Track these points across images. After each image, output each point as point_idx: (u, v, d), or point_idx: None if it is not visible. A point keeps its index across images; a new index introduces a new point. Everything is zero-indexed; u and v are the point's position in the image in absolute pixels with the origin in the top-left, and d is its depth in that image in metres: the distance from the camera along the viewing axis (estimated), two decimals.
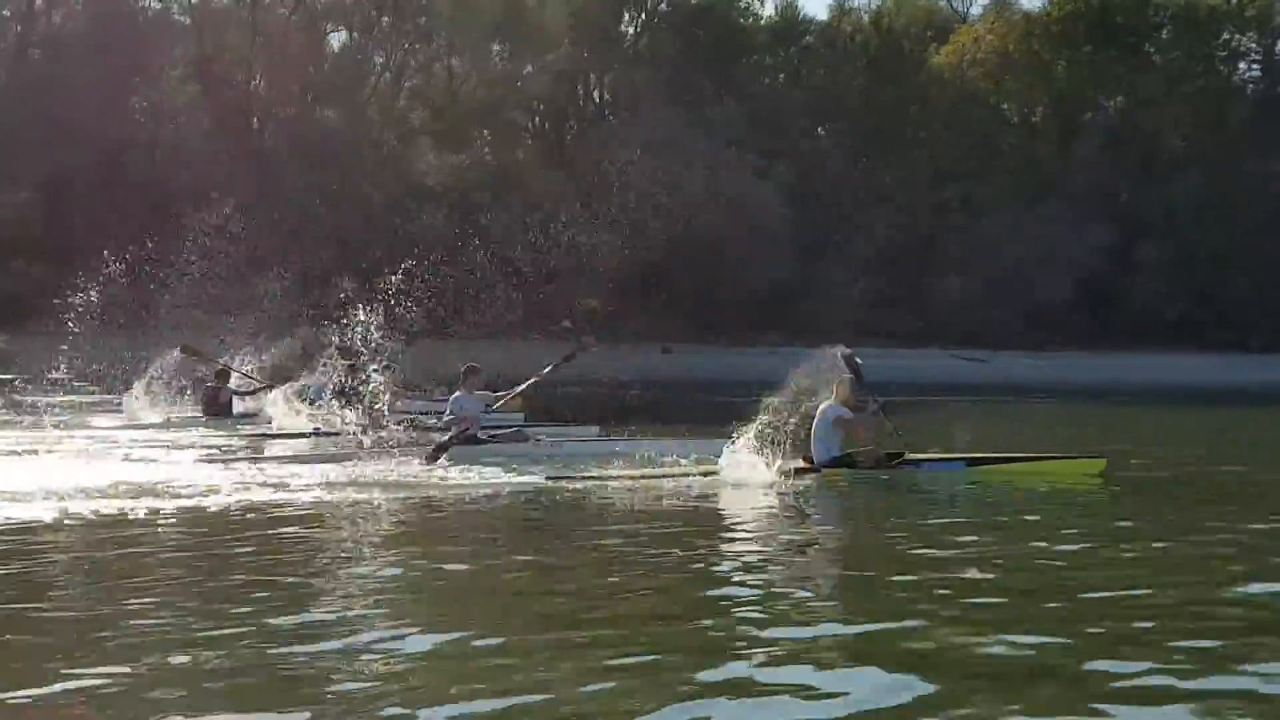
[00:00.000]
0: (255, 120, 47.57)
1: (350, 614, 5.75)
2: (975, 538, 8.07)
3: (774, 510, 9.90)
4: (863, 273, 49.63)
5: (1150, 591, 6.43)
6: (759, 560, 7.45)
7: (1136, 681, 4.69)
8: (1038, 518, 9.11)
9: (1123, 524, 8.89)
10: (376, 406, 15.99)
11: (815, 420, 11.43)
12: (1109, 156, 55.22)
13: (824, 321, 45.75)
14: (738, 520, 9.39)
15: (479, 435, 13.22)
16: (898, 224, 52.13)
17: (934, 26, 63.43)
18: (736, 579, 6.71)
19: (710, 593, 6.38)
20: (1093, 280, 49.76)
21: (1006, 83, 58.86)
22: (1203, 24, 61.21)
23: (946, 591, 6.31)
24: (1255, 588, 6.51)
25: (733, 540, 8.33)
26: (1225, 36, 62.06)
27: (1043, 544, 7.77)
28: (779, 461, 11.06)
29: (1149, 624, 5.65)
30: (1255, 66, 62.63)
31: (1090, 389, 36.58)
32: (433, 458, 12.16)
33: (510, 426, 14.63)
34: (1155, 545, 7.90)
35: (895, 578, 6.67)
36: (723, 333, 47.50)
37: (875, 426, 11.81)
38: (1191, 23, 61.05)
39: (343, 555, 7.57)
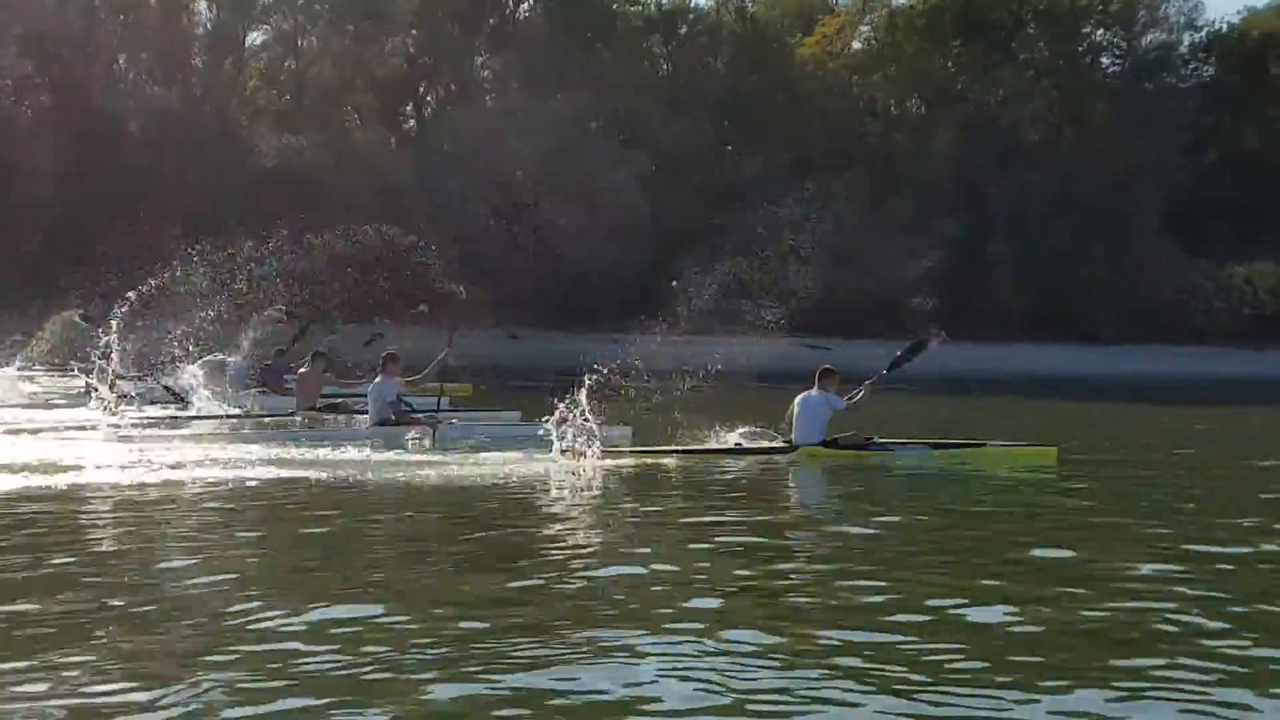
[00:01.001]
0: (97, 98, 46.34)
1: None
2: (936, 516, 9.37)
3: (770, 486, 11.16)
4: (719, 262, 50.18)
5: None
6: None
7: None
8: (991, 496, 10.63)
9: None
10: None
11: (800, 405, 12.67)
12: (968, 150, 56.71)
13: (680, 310, 46.52)
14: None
15: (392, 418, 14.16)
16: (756, 214, 52.76)
17: (803, 17, 64.66)
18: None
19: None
20: (947, 272, 51.17)
21: (868, 74, 60.14)
22: (1065, 19, 63.47)
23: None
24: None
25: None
26: (1087, 30, 64.47)
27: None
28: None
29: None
30: (1116, 63, 65.13)
31: (938, 378, 37.72)
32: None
33: (424, 410, 15.19)
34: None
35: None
36: (578, 320, 47.77)
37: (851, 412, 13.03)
38: (1054, 18, 63.21)
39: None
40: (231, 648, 5.16)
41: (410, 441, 13.57)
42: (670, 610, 5.97)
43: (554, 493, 10.39)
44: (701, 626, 5.62)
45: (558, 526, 8.67)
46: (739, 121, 58.29)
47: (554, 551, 7.61)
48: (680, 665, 5.05)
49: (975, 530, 8.89)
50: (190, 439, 14.00)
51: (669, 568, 7.01)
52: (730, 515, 9.15)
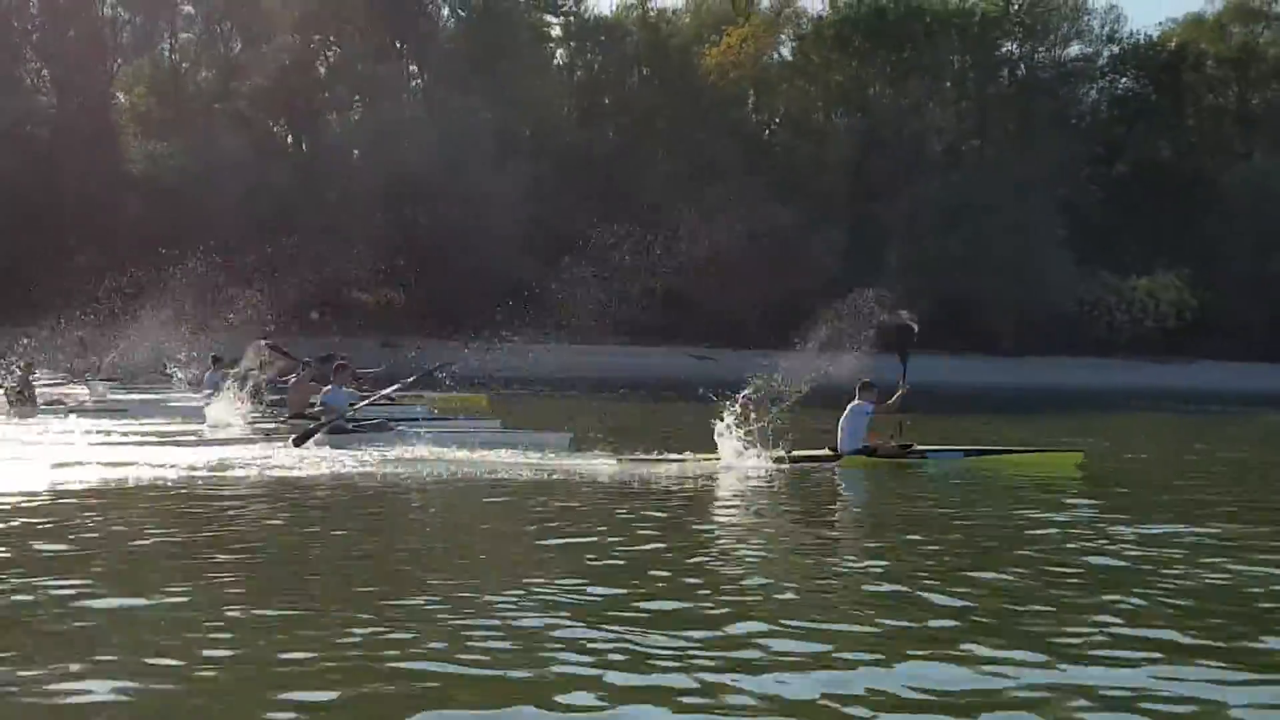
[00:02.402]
0: None
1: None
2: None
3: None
4: (611, 270, 50.79)
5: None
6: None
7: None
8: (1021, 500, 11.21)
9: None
10: None
11: (845, 416, 13.67)
12: (867, 159, 57.70)
13: (568, 318, 47.10)
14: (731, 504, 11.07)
15: (345, 425, 14.88)
16: (650, 222, 53.45)
17: (713, 27, 65.45)
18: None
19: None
20: (838, 281, 51.75)
21: (774, 84, 61.08)
22: (974, 31, 64.81)
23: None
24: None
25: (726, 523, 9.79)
26: (999, 39, 65.82)
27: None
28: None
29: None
30: (1028, 74, 66.50)
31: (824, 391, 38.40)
32: (299, 441, 13.88)
33: (376, 418, 15.96)
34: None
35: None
36: (462, 327, 48.02)
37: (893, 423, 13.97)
38: (963, 30, 64.54)
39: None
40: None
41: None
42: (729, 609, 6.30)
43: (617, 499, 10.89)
44: (776, 627, 5.87)
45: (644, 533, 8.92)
46: (641, 130, 59.10)
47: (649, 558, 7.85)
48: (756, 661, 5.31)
49: (1006, 529, 9.48)
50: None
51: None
52: (792, 519, 10.17)
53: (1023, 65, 66.55)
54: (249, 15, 52.90)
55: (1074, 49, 67.38)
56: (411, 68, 60.76)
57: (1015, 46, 66.74)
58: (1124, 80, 68.59)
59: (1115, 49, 67.55)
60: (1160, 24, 71.02)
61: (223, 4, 52.30)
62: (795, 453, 13.62)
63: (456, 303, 47.77)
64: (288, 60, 51.59)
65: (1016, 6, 65.77)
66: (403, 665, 5.12)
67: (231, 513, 9.34)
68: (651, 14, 63.81)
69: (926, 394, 37.66)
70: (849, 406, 13.72)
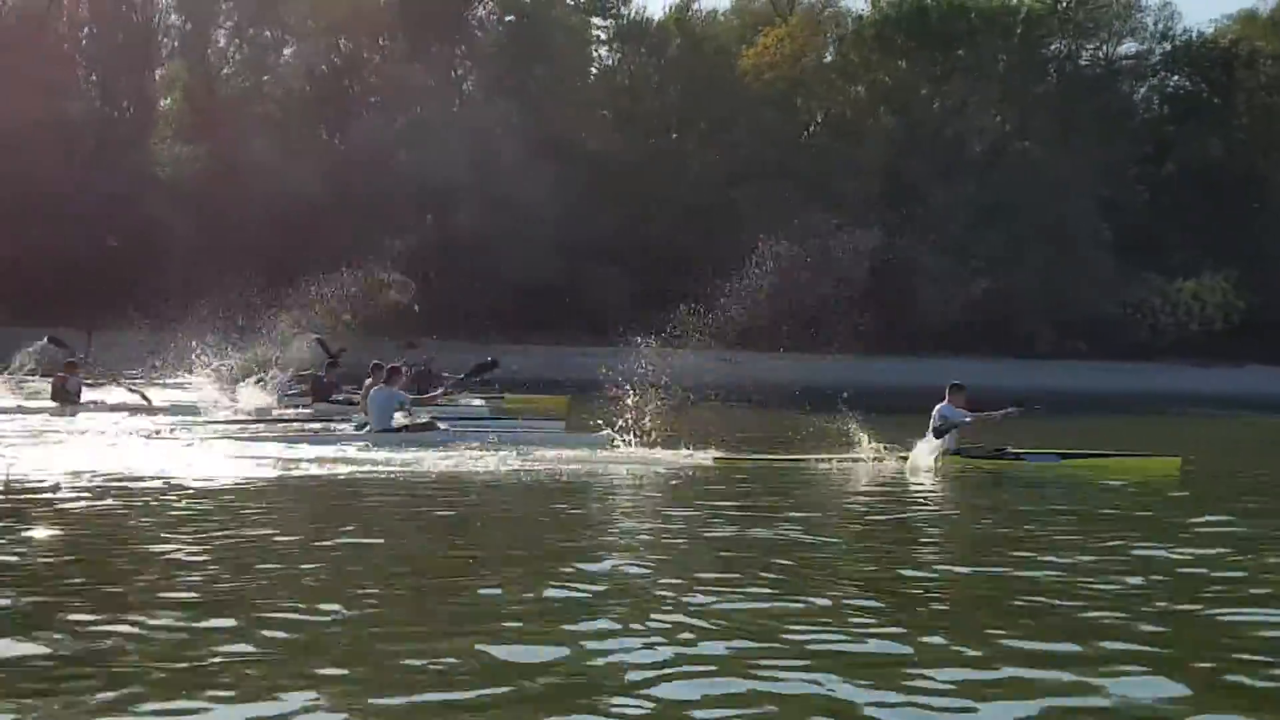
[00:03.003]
0: None
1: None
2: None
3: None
4: (637, 273, 51.26)
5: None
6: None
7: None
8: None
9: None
10: None
11: (935, 418, 14.14)
12: (905, 161, 57.52)
13: (595, 321, 47.71)
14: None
15: (393, 425, 15.68)
16: (681, 225, 53.81)
17: (752, 28, 65.50)
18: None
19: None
20: (876, 283, 51.66)
21: (807, 85, 61.00)
22: (1019, 30, 64.38)
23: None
24: None
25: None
26: (1044, 38, 65.25)
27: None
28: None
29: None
30: (1078, 71, 65.93)
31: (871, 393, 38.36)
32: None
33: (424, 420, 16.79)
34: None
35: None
36: (489, 329, 48.62)
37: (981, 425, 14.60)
38: (1006, 28, 64.15)
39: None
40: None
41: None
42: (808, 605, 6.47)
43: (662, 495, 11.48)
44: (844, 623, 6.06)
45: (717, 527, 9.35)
46: (677, 132, 59.39)
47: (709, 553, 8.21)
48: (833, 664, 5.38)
49: (1099, 532, 9.57)
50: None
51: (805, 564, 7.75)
52: (873, 517, 10.50)
53: (1069, 64, 66.14)
54: (283, 17, 53.94)
55: (1125, 47, 67.13)
56: (452, 71, 61.58)
57: (1062, 44, 66.39)
58: (1175, 78, 68.01)
59: (1167, 46, 67.06)
60: (1214, 20, 70.12)
61: (255, 6, 53.30)
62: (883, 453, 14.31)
63: (479, 303, 48.49)
64: (324, 66, 52.55)
65: (1064, 4, 65.45)
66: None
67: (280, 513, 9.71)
68: (695, 16, 64.18)
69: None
70: (937, 407, 14.21)
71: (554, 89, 57.85)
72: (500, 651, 5.36)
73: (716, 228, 52.81)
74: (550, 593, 6.59)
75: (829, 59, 63.19)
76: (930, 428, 14.16)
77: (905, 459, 14.23)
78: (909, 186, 56.63)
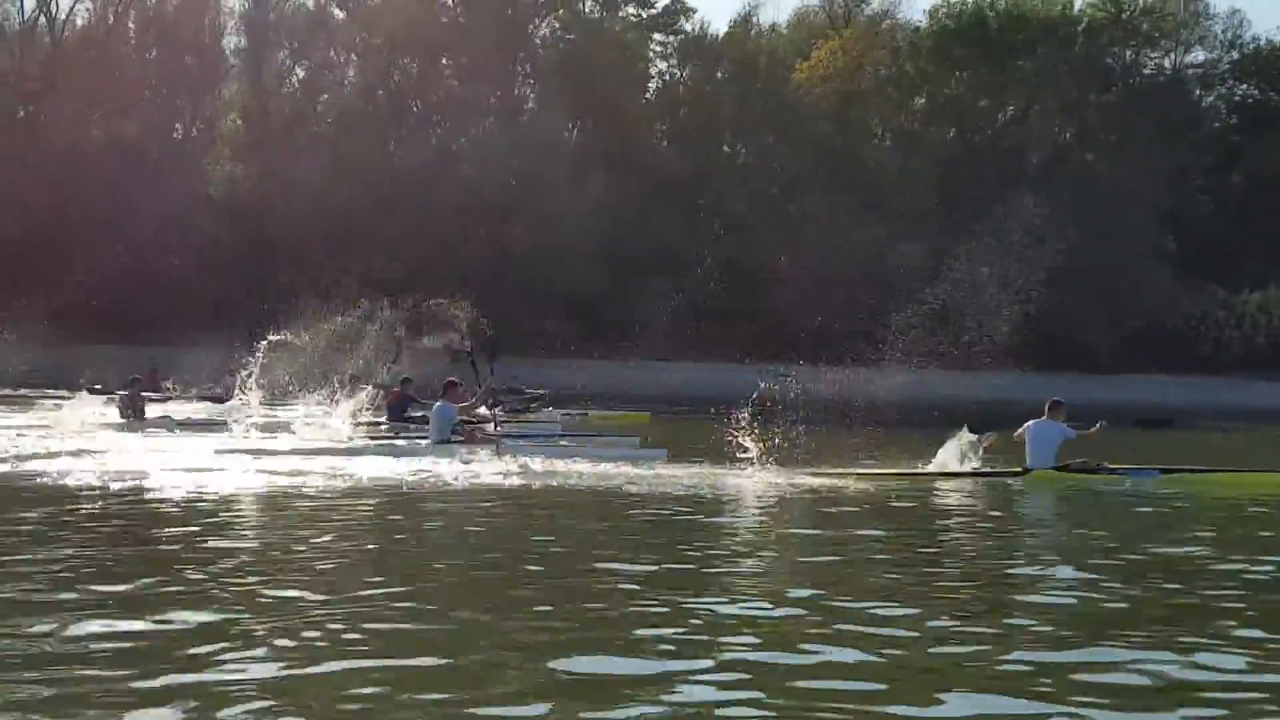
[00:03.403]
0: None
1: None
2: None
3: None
4: (685, 286, 51.60)
5: None
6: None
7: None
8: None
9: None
10: None
11: (1033, 431, 14.23)
12: (961, 172, 57.35)
13: (642, 334, 48.12)
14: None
15: (450, 437, 16.23)
16: (729, 239, 54.14)
17: (808, 40, 65.73)
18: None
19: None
20: (923, 295, 51.35)
21: (861, 97, 61.06)
22: (1079, 40, 63.97)
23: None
24: None
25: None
26: (1106, 47, 64.80)
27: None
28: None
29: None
30: (1134, 82, 65.36)
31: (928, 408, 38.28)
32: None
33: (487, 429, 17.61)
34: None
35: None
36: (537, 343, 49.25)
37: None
38: (1067, 38, 63.75)
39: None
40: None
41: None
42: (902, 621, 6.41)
43: (754, 510, 11.62)
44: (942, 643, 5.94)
45: (798, 547, 9.34)
46: (730, 145, 59.78)
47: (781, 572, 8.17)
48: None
49: (1204, 552, 9.34)
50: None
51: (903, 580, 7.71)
52: (971, 534, 10.37)
53: (1133, 73, 65.62)
54: (341, 38, 55.44)
55: (1192, 55, 66.44)
56: (510, 89, 62.61)
57: (1127, 54, 65.85)
58: (1244, 86, 67.11)
59: (1235, 55, 66.22)
60: None
61: (314, 27, 54.77)
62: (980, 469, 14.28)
63: (528, 318, 49.10)
64: (380, 88, 53.83)
65: (1128, 14, 64.94)
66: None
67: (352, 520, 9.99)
68: (754, 29, 64.69)
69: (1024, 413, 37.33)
70: (1033, 423, 14.23)
71: (611, 105, 58.47)
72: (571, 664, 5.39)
73: (769, 241, 53.11)
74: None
75: (885, 71, 63.18)
76: (1027, 447, 14.18)
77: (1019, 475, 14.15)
78: (965, 198, 56.37)
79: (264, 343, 24.39)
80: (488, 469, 14.25)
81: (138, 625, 5.81)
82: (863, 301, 49.30)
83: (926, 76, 63.19)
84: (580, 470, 14.25)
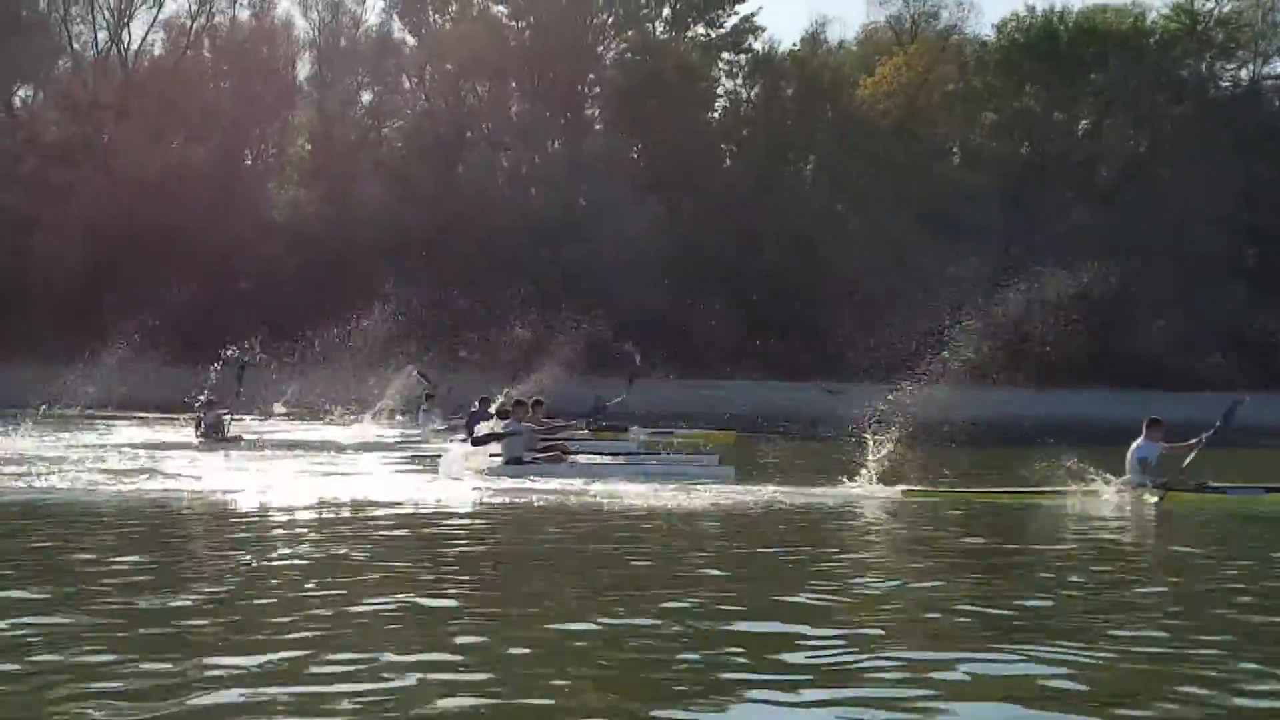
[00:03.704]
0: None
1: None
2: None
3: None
4: (744, 304, 52.03)
5: None
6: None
7: None
8: None
9: None
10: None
11: (1132, 452, 14.40)
12: (1028, 188, 57.03)
13: (704, 352, 48.55)
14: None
15: (523, 457, 16.81)
16: (794, 255, 54.34)
17: (874, 57, 65.83)
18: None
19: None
20: (986, 312, 51.02)
21: (926, 113, 61.02)
22: (1152, 51, 63.32)
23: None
24: None
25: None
26: (1181, 58, 64.02)
27: None
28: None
29: None
30: (1212, 93, 64.47)
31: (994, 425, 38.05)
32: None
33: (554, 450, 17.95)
34: None
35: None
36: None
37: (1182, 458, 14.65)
38: (1139, 50, 63.09)
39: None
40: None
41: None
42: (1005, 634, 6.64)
43: (868, 525, 11.97)
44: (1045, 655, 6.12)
45: (896, 557, 9.75)
46: (795, 164, 60.12)
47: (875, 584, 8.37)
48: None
49: None
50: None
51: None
52: (1070, 550, 10.57)
53: (1210, 84, 64.76)
54: (406, 64, 57.22)
55: (1272, 66, 65.36)
56: (573, 112, 63.68)
57: (1202, 65, 65.00)
58: None
59: None
60: None
61: (375, 51, 56.43)
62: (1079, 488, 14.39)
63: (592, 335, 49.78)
64: (446, 110, 55.22)
65: (1203, 25, 64.16)
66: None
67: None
68: (821, 46, 65.07)
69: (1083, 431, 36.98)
70: (1136, 443, 14.37)
71: (676, 125, 59.07)
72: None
73: (831, 258, 53.30)
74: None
75: (951, 86, 63.07)
76: (1131, 465, 14.26)
77: (1093, 495, 14.28)
78: (1032, 213, 56.11)
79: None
80: (556, 486, 14.47)
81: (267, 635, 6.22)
82: (923, 318, 49.15)
83: (994, 91, 62.97)
84: (651, 490, 14.35)
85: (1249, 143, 59.90)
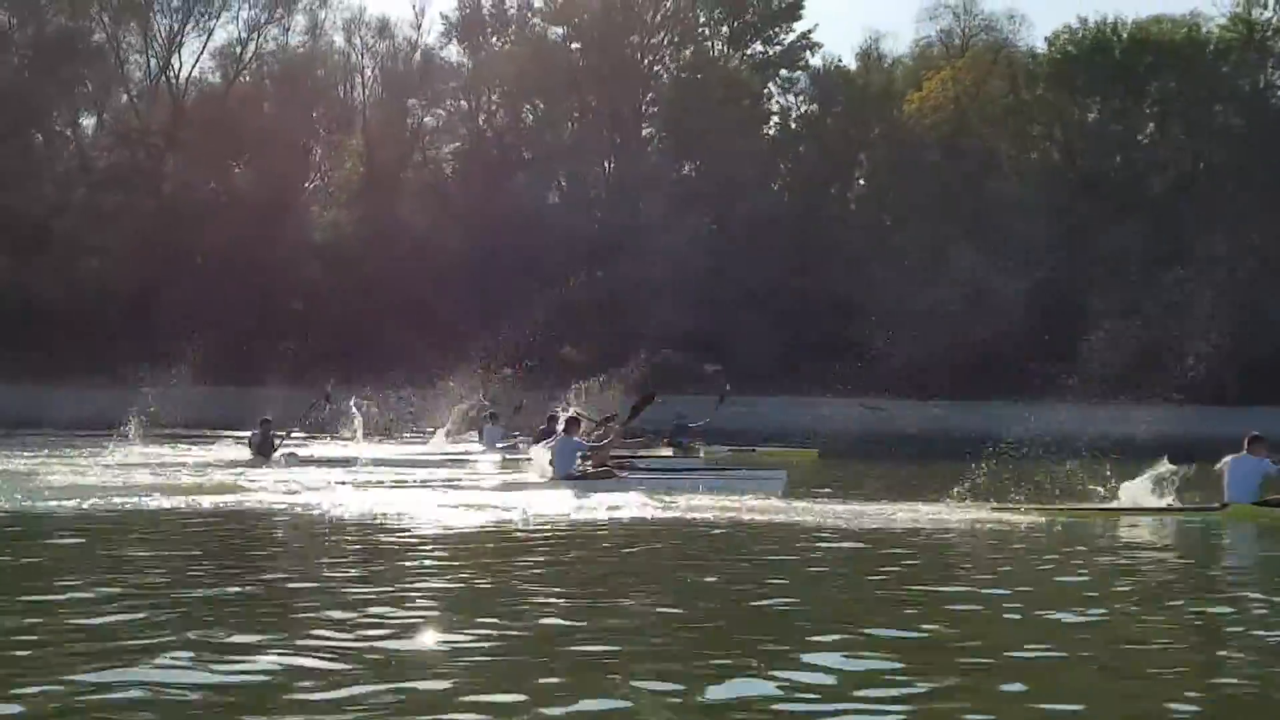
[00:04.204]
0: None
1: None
2: None
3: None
4: (785, 322, 52.54)
5: None
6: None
7: None
8: None
9: None
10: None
11: (1231, 467, 14.11)
12: (1077, 201, 56.98)
13: (746, 370, 48.94)
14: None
15: (575, 472, 17.14)
16: (838, 272, 54.75)
17: (925, 70, 66.11)
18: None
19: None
20: (1043, 326, 50.94)
21: (975, 127, 61.19)
22: (1206, 61, 63.02)
23: None
24: None
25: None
26: (1237, 67, 63.42)
27: None
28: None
29: None
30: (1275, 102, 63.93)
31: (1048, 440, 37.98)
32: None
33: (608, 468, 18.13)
34: None
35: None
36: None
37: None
38: (1192, 60, 62.86)
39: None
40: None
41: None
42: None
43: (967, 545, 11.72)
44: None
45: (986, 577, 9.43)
46: (841, 180, 60.64)
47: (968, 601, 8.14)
48: None
49: None
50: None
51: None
52: (1165, 568, 10.49)
53: (1270, 94, 64.23)
54: (451, 86, 58.86)
55: None
56: (619, 131, 64.68)
57: (1260, 76, 64.53)
58: None
59: None
60: None
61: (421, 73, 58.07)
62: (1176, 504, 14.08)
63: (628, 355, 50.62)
64: (490, 130, 56.49)
65: (1260, 35, 63.72)
66: None
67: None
68: (873, 60, 65.69)
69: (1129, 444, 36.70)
70: (1231, 458, 14.06)
71: (722, 143, 59.78)
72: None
73: (875, 274, 53.68)
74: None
75: (1002, 99, 63.18)
76: (1228, 484, 13.99)
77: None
78: (1080, 226, 56.05)
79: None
80: (618, 501, 14.52)
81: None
82: (970, 334, 49.50)
83: (1045, 104, 63.04)
84: (703, 502, 14.45)
85: None
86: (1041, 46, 65.75)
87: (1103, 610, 7.89)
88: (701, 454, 25.25)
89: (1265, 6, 63.27)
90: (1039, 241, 54.34)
